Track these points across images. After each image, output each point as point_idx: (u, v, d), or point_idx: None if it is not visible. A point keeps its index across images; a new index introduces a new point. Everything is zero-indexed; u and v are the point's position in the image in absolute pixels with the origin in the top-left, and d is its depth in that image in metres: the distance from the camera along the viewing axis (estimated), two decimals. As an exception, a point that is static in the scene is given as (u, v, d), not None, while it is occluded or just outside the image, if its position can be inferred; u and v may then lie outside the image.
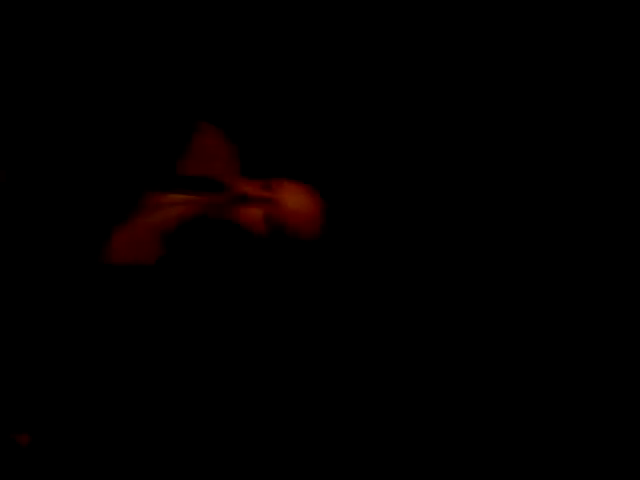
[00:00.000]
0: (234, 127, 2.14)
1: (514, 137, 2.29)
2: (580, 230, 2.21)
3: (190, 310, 1.81)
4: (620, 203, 2.22)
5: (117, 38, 2.28)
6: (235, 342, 1.85)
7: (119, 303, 1.76)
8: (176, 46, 2.31)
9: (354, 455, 1.91)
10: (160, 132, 2.01)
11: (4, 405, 1.74)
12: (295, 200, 1.78)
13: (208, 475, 1.82)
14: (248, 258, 1.80)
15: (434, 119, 2.31)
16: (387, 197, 2.26)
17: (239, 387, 1.87)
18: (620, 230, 2.20)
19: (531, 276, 2.17)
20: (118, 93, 2.17)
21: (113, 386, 1.78)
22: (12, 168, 1.87)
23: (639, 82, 2.26)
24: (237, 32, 2.34)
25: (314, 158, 2.27)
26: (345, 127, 2.32)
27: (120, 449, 1.78)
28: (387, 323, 2.00)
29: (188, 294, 1.81)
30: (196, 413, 1.83)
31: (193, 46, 2.32)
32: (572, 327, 2.10)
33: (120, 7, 2.28)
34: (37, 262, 1.81)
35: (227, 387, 1.86)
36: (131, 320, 1.77)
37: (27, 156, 1.92)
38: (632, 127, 2.25)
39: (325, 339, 1.92)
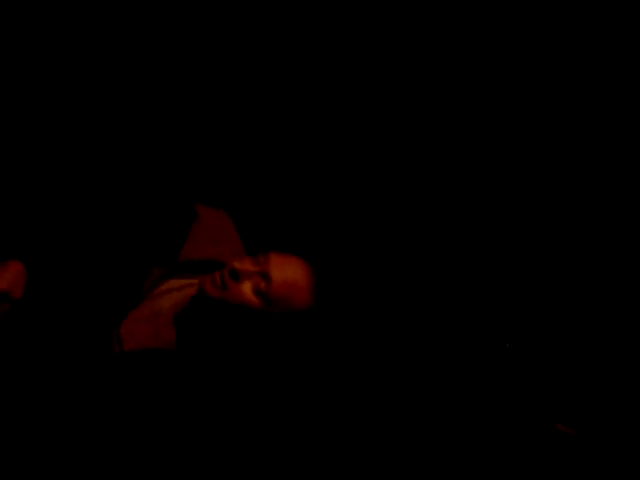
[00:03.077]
0: (231, 205, 2.24)
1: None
2: (580, 230, 2.28)
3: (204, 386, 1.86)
4: (620, 203, 2.27)
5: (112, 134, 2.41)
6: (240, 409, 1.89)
7: (140, 388, 1.84)
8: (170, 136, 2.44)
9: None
10: (161, 221, 2.10)
11: None
12: (282, 271, 1.83)
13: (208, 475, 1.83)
14: (248, 330, 1.87)
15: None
16: (376, 264, 2.35)
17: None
18: (620, 230, 2.25)
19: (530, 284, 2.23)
20: (118, 188, 2.29)
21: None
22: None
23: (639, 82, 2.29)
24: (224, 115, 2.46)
25: (306, 230, 2.38)
26: (334, 202, 2.43)
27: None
28: (383, 387, 2.04)
29: (202, 372, 1.87)
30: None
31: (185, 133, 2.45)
32: (572, 326, 2.15)
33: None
34: (53, 356, 1.89)
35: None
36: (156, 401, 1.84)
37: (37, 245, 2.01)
38: (632, 127, 2.29)
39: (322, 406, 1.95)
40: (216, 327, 1.88)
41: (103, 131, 2.43)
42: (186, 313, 1.92)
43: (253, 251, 2.00)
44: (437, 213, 2.39)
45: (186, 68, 2.44)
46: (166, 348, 1.91)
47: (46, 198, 2.24)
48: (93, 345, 1.92)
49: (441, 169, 2.42)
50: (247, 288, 1.83)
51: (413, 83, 2.43)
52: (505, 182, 2.39)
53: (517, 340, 2.17)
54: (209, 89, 2.47)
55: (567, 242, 2.33)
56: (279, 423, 1.89)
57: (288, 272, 1.84)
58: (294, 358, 1.92)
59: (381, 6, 2.39)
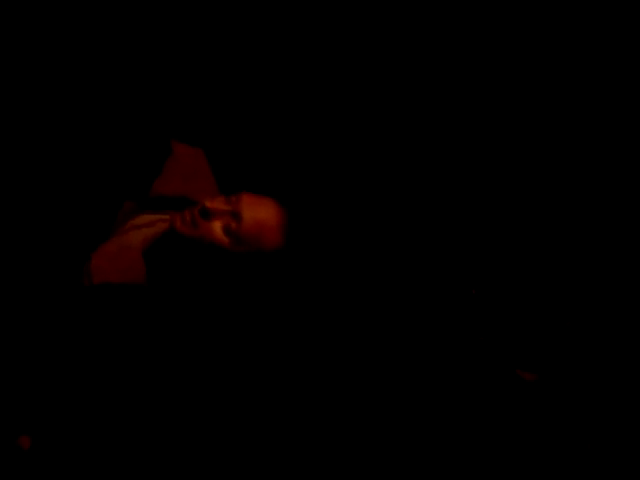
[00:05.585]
0: (207, 144, 2.23)
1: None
2: (580, 230, 2.28)
3: (171, 324, 1.87)
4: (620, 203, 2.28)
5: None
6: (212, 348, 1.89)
7: (109, 322, 1.84)
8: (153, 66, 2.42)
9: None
10: (135, 154, 2.09)
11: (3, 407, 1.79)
12: (253, 211, 1.83)
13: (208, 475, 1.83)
14: (217, 269, 1.88)
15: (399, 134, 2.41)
16: (348, 204, 2.36)
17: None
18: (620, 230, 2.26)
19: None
20: (95, 116, 2.25)
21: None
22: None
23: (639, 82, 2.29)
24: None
25: (279, 171, 2.38)
26: (306, 140, 2.43)
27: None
28: (354, 331, 2.05)
29: (168, 309, 1.88)
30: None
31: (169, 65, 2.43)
32: (572, 326, 2.14)
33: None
34: (22, 286, 1.88)
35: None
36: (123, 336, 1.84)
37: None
38: (632, 127, 2.29)
39: (294, 348, 1.96)
40: (185, 264, 1.89)
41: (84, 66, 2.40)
42: (155, 249, 1.93)
43: (228, 193, 2.00)
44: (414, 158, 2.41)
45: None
46: (135, 283, 1.90)
47: (15, 126, 2.22)
48: (62, 278, 1.91)
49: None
50: (217, 227, 1.84)
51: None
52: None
53: (483, 287, 2.20)
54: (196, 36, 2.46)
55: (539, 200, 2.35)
56: (246, 357, 1.91)
57: (259, 212, 1.85)
58: (262, 298, 1.94)
59: (381, 6, 2.40)
